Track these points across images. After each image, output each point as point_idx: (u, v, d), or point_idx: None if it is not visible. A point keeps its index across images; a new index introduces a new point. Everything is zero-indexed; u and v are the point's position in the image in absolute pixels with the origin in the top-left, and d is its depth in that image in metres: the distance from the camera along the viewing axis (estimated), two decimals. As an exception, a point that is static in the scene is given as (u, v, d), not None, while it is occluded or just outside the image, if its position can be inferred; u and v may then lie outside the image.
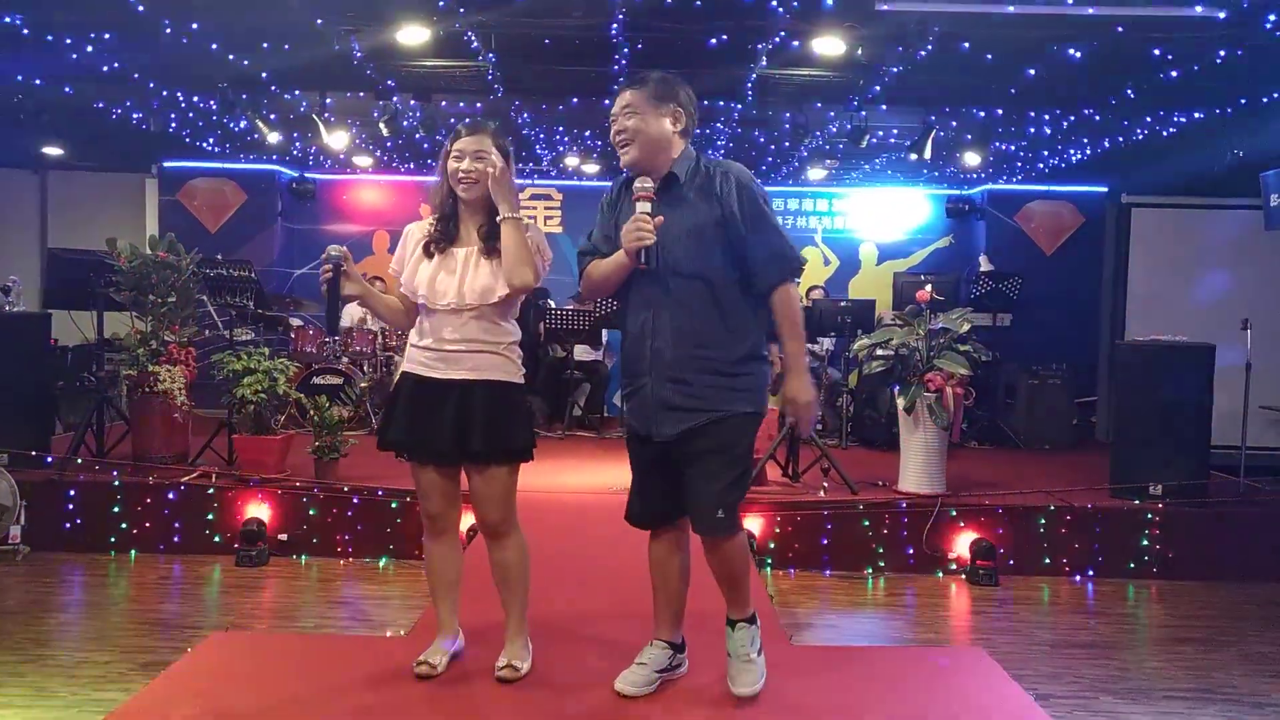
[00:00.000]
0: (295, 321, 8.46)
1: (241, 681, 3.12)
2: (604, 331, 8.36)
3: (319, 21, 4.88)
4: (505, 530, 3.07)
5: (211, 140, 8.21)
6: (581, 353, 8.35)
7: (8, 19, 4.59)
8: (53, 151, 8.77)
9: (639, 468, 3.03)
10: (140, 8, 4.47)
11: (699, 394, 2.85)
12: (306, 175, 9.82)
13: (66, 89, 6.15)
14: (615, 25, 4.94)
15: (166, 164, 9.47)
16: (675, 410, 2.85)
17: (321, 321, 8.76)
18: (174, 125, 7.41)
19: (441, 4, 4.47)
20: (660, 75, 2.92)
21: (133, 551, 5.19)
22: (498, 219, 2.92)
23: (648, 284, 2.89)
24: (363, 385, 6.18)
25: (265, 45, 5.17)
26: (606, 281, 2.96)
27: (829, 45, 5.18)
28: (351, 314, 8.44)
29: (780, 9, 4.67)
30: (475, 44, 5.24)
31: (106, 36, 5.02)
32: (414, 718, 2.88)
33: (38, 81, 5.93)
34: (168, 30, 4.80)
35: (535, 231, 3.05)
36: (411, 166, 9.55)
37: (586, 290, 3.05)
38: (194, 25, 4.82)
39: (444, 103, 6.69)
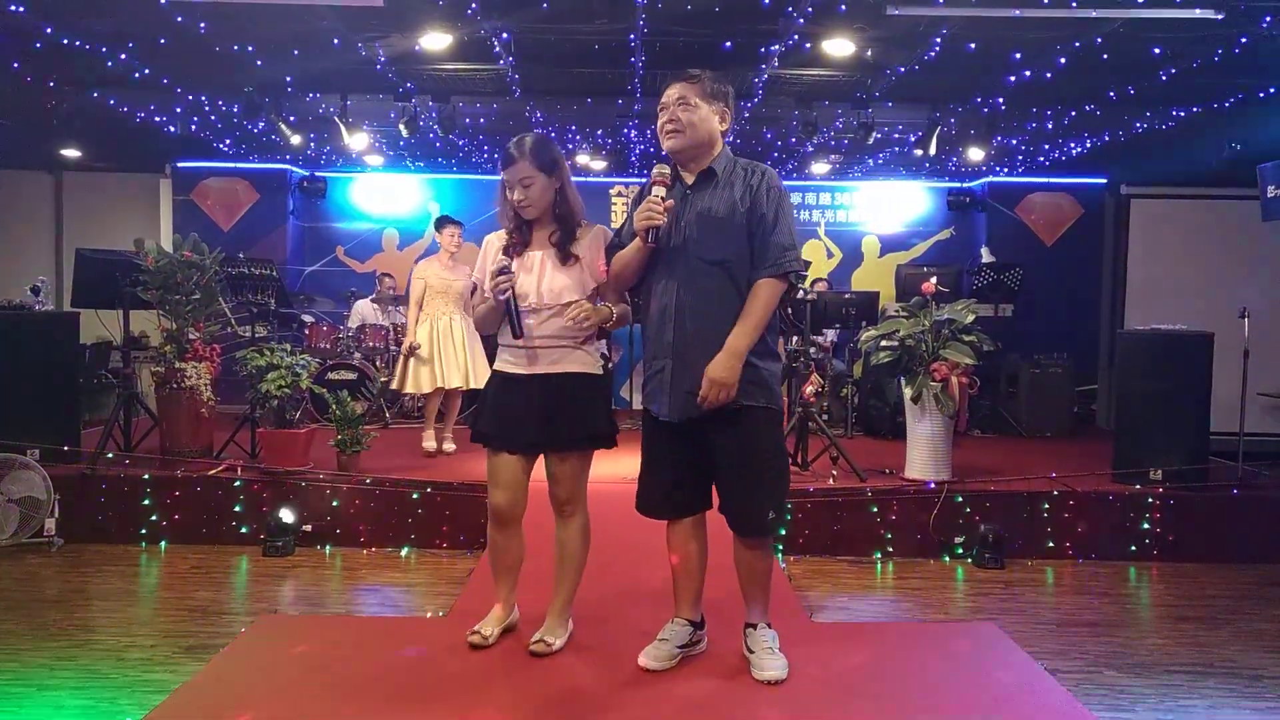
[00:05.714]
0: (308, 318, 8.56)
1: (297, 659, 3.28)
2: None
3: (349, 33, 4.96)
4: (573, 510, 3.27)
5: (228, 141, 8.28)
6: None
7: (49, 30, 4.69)
8: (69, 153, 8.83)
9: (652, 452, 3.12)
10: (179, 18, 4.58)
11: None
12: (317, 174, 9.90)
13: (94, 94, 6.25)
14: (634, 30, 5.02)
15: (180, 164, 9.54)
16: (693, 394, 2.92)
17: (331, 318, 8.89)
18: (194, 127, 7.49)
19: (469, 11, 4.57)
20: (713, 74, 3.00)
21: (163, 542, 5.29)
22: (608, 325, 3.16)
23: (671, 269, 2.96)
24: (383, 381, 6.29)
25: (295, 53, 5.26)
26: (626, 268, 3.08)
27: (839, 47, 5.29)
28: (362, 312, 8.56)
29: (794, 13, 4.76)
30: (497, 49, 5.33)
31: (142, 45, 5.09)
32: (457, 690, 3.03)
33: (66, 88, 6.01)
34: (201, 37, 4.88)
35: (596, 239, 3.22)
36: (422, 165, 9.64)
37: (614, 281, 3.17)
38: (228, 35, 4.91)
39: (461, 103, 6.77)
